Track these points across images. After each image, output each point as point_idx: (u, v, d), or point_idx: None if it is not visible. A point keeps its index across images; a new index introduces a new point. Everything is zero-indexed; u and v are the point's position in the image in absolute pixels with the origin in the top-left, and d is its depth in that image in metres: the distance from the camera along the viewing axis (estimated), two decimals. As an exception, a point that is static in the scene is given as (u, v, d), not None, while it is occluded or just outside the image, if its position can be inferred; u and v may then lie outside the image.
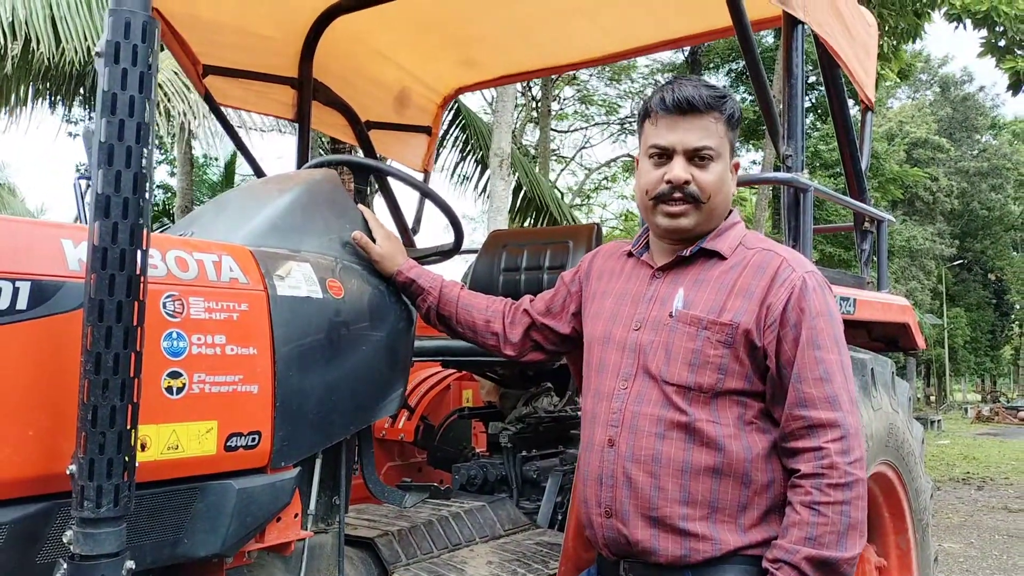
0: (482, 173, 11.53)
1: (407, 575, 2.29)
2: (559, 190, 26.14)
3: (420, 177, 4.25)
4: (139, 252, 1.36)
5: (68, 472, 1.34)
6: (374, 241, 2.13)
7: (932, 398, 43.12)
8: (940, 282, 35.15)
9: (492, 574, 2.35)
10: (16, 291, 1.40)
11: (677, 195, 1.74)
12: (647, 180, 1.79)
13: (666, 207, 1.76)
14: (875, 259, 3.41)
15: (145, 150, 1.37)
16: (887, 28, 10.81)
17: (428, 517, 2.61)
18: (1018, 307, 45.30)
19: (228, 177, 18.87)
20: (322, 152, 10.07)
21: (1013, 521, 9.15)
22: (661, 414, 1.68)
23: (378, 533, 2.41)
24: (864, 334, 3.20)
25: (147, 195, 1.37)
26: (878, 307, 2.89)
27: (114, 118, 1.34)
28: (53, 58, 9.13)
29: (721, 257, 1.78)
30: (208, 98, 3.34)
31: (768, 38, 18.98)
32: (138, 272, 1.36)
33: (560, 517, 2.94)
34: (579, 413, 3.26)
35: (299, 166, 3.70)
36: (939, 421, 25.28)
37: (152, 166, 1.40)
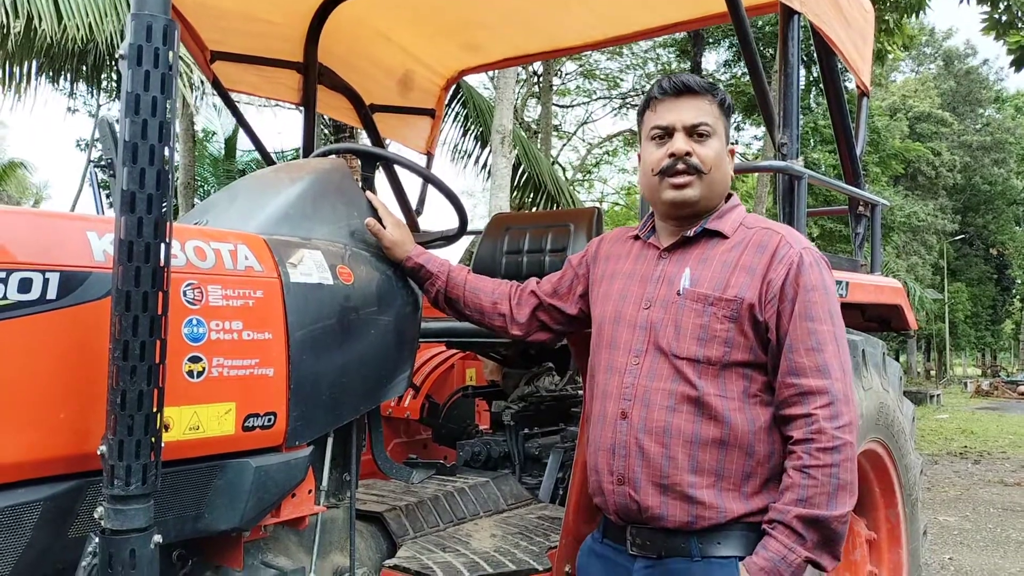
0: (482, 149, 11.54)
1: (414, 548, 2.38)
2: (561, 165, 26.09)
3: (423, 159, 4.31)
4: (163, 245, 1.43)
5: (99, 452, 1.42)
6: (384, 228, 2.20)
7: (932, 372, 43.28)
8: (942, 257, 35.15)
9: (496, 547, 2.44)
10: (46, 282, 1.47)
11: (680, 167, 1.85)
12: (651, 159, 1.89)
13: (671, 179, 1.86)
14: (870, 241, 3.47)
15: (167, 148, 1.44)
16: (891, 2, 10.78)
17: (434, 492, 2.70)
18: (1019, 282, 45.28)
19: (229, 152, 18.86)
20: (325, 132, 10.08)
21: (1008, 494, 9.28)
22: (672, 388, 1.78)
23: (387, 508, 2.50)
24: (858, 315, 3.28)
25: (170, 190, 1.45)
26: (871, 289, 2.96)
27: (138, 118, 1.40)
28: (55, 35, 9.15)
29: (723, 236, 1.87)
30: (216, 84, 3.40)
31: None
32: (162, 264, 1.43)
33: (561, 492, 3.04)
34: (579, 392, 3.35)
35: (305, 148, 3.77)
36: (938, 395, 25.40)
37: (174, 162, 1.47)
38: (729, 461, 1.75)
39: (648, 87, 2.00)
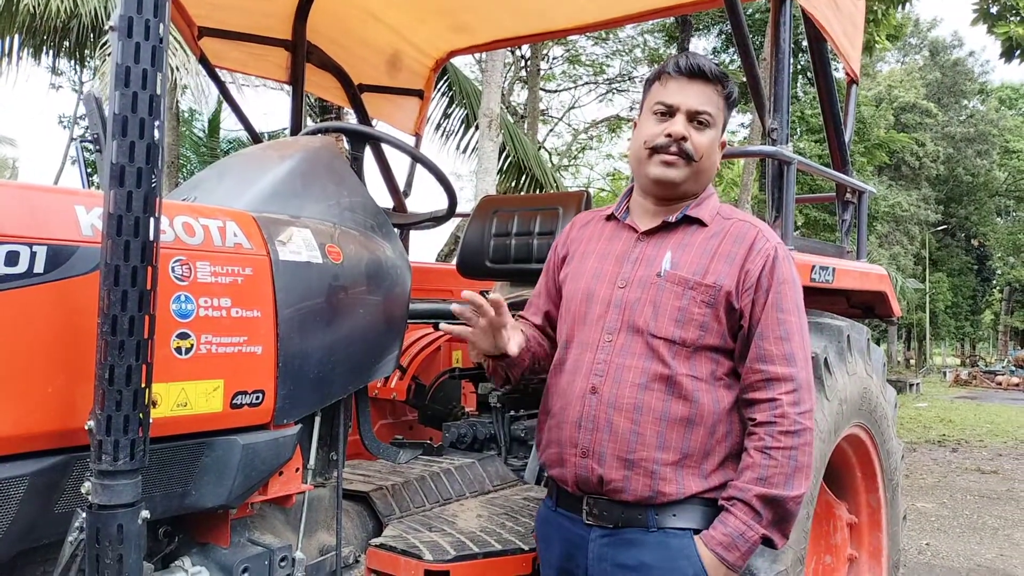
0: (466, 131, 11.50)
1: (400, 527, 2.39)
2: (547, 151, 26.02)
3: (411, 140, 4.28)
4: (152, 219, 1.42)
5: (86, 427, 1.41)
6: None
7: (912, 362, 43.64)
8: (923, 247, 35.39)
9: (482, 527, 2.45)
10: (33, 255, 1.46)
11: (673, 149, 1.88)
12: (648, 132, 1.91)
13: (661, 156, 1.89)
14: (856, 228, 3.49)
15: (157, 121, 1.42)
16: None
17: (420, 473, 2.71)
18: (999, 273, 45.70)
19: (212, 132, 18.68)
20: (311, 113, 10.01)
21: (985, 482, 9.40)
22: (645, 366, 1.82)
23: (373, 487, 2.51)
24: (843, 302, 3.30)
25: (159, 164, 1.43)
26: (856, 276, 2.98)
27: (127, 91, 1.38)
28: (38, 9, 9.03)
29: (702, 224, 1.92)
30: (203, 60, 3.36)
31: (760, -1, 18.86)
32: (151, 238, 1.42)
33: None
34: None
35: (293, 127, 3.74)
36: (918, 384, 25.66)
37: (164, 136, 1.46)
38: (693, 440, 1.80)
39: (664, 61, 1.99)
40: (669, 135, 1.87)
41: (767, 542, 1.77)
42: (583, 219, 2.15)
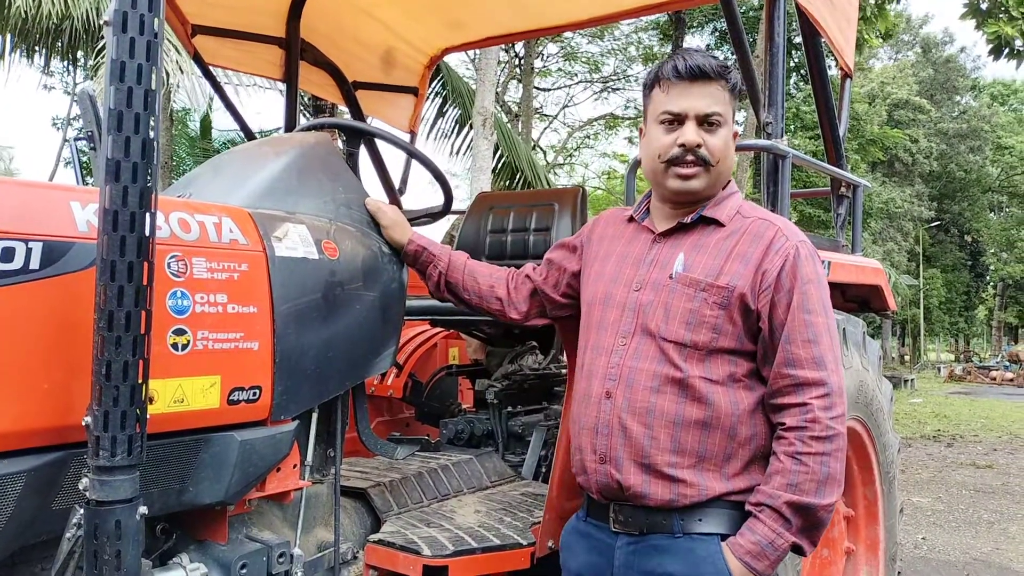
0: (460, 130, 11.48)
1: (399, 523, 2.39)
2: (542, 149, 26.02)
3: (406, 138, 4.28)
4: (148, 215, 1.41)
5: (84, 423, 1.40)
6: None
7: (906, 357, 43.75)
8: (917, 243, 35.48)
9: (480, 522, 2.45)
10: (29, 251, 1.45)
11: (689, 158, 1.82)
12: (659, 145, 1.86)
13: (678, 169, 1.84)
14: (851, 222, 3.50)
15: (152, 117, 1.42)
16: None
17: (418, 469, 2.70)
18: (993, 268, 45.84)
19: (204, 131, 18.63)
20: (303, 111, 10.00)
21: (980, 477, 9.43)
22: (657, 370, 1.78)
23: (371, 484, 2.50)
24: (838, 295, 3.30)
25: (155, 160, 1.43)
26: (851, 269, 2.98)
27: (123, 85, 1.38)
28: (30, 11, 9.01)
29: (719, 224, 1.86)
30: (197, 58, 3.35)
31: (753, -3, 18.90)
32: (147, 234, 1.41)
33: (544, 469, 3.05)
34: (563, 371, 3.36)
35: (287, 124, 3.74)
36: (912, 380, 25.67)
37: (159, 131, 1.45)
38: (711, 443, 1.76)
39: (659, 62, 1.93)
40: (682, 145, 1.82)
41: (796, 549, 1.72)
42: (607, 216, 2.12)
